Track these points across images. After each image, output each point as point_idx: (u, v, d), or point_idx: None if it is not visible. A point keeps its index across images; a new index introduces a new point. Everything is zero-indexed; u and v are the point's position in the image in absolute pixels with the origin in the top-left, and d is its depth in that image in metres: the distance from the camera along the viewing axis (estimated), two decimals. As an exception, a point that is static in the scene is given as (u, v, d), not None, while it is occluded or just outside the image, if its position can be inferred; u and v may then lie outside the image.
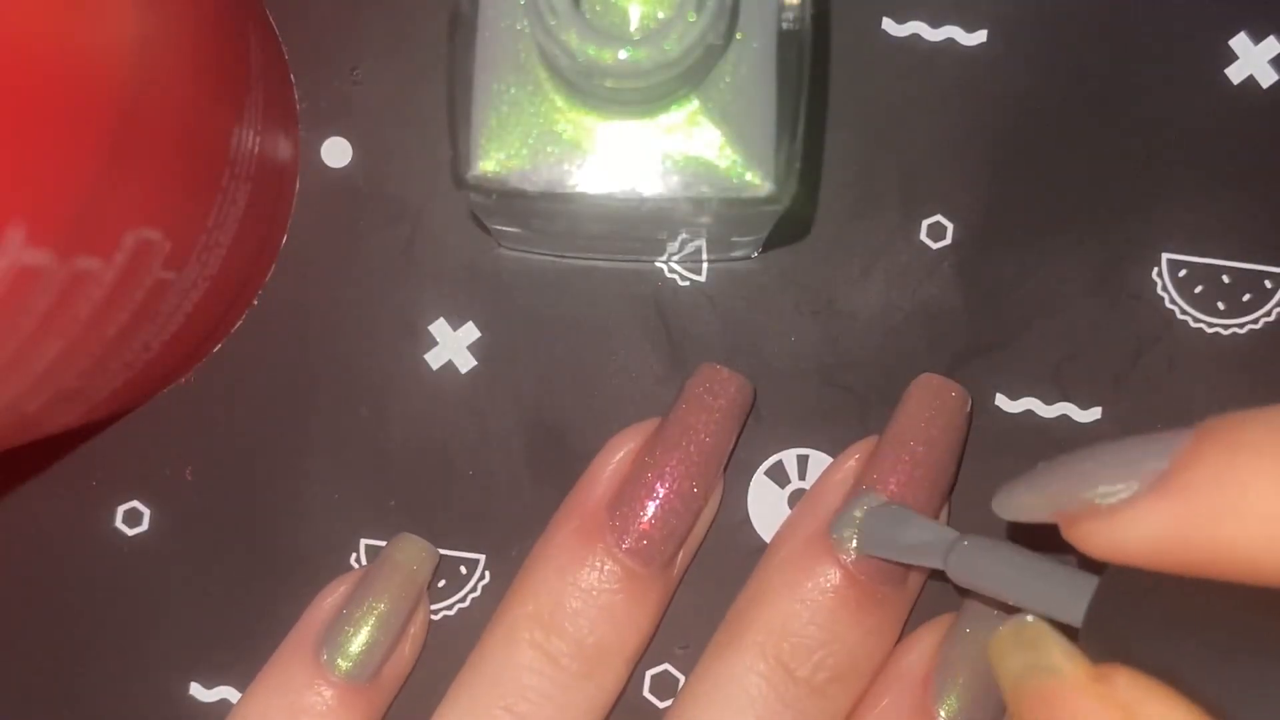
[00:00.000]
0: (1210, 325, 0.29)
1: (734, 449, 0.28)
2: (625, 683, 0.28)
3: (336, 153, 0.30)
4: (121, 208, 0.21)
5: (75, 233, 0.20)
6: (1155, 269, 0.29)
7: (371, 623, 0.27)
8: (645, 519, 0.27)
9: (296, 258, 0.30)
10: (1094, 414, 0.29)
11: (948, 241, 0.29)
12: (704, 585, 0.29)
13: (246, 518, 0.29)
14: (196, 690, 0.29)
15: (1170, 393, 0.29)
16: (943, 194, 0.29)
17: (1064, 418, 0.29)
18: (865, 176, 0.29)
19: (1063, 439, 0.29)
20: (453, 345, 0.30)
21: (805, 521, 0.27)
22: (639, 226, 0.26)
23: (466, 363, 0.30)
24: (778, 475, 0.29)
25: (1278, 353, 0.29)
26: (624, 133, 0.23)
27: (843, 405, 0.29)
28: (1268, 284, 0.29)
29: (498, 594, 0.28)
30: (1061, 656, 0.19)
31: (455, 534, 0.29)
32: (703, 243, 0.28)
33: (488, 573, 0.29)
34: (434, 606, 0.29)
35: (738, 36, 0.22)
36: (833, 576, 0.26)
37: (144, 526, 0.30)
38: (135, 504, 0.30)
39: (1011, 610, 0.22)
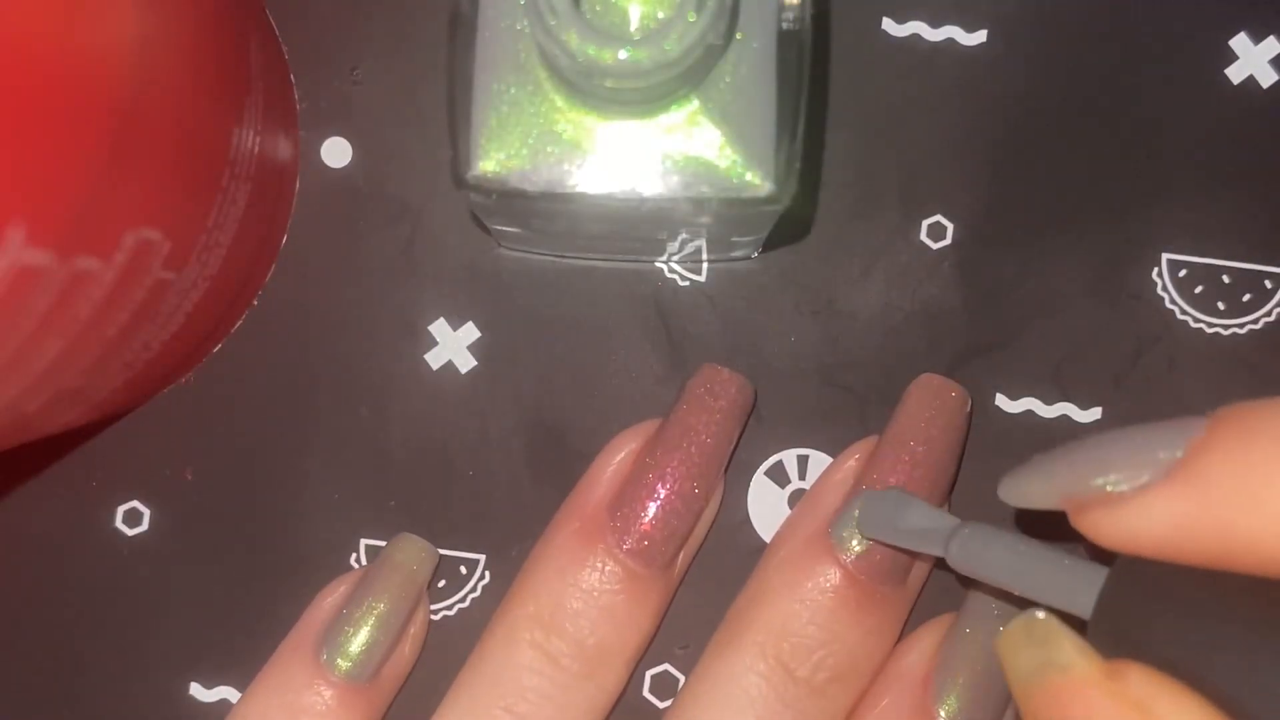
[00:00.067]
0: (1210, 325, 0.29)
1: (735, 449, 0.28)
2: (626, 683, 0.28)
3: (336, 153, 0.30)
4: (121, 208, 0.21)
5: (75, 233, 0.20)
6: (1155, 269, 0.29)
7: (371, 623, 0.27)
8: (646, 520, 0.27)
9: (296, 258, 0.30)
10: (1094, 414, 0.29)
11: (948, 241, 0.29)
12: (704, 585, 0.29)
13: (246, 518, 0.29)
14: (196, 690, 0.29)
15: (1170, 393, 0.29)
16: (943, 194, 0.29)
17: (1064, 418, 0.29)
18: (865, 176, 0.29)
19: (1062, 439, 0.29)
20: (453, 345, 0.30)
21: (805, 521, 0.27)
22: (639, 226, 0.26)
23: (466, 363, 0.30)
24: (778, 475, 0.29)
25: (1278, 353, 0.29)
26: (624, 133, 0.23)
27: (843, 405, 0.29)
28: (1268, 284, 0.29)
29: (498, 594, 0.28)
30: (1073, 653, 0.19)
31: (455, 534, 0.29)
32: (703, 243, 0.28)
33: (488, 573, 0.29)
34: (434, 606, 0.29)
35: (738, 36, 0.22)
36: (833, 576, 0.26)
37: (144, 526, 0.30)
38: (135, 504, 0.30)
39: (1014, 601, 0.22)
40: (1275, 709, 0.17)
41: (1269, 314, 0.29)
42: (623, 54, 0.20)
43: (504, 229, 0.27)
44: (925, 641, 0.27)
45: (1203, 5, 0.29)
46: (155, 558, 0.29)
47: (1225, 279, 0.29)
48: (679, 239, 0.27)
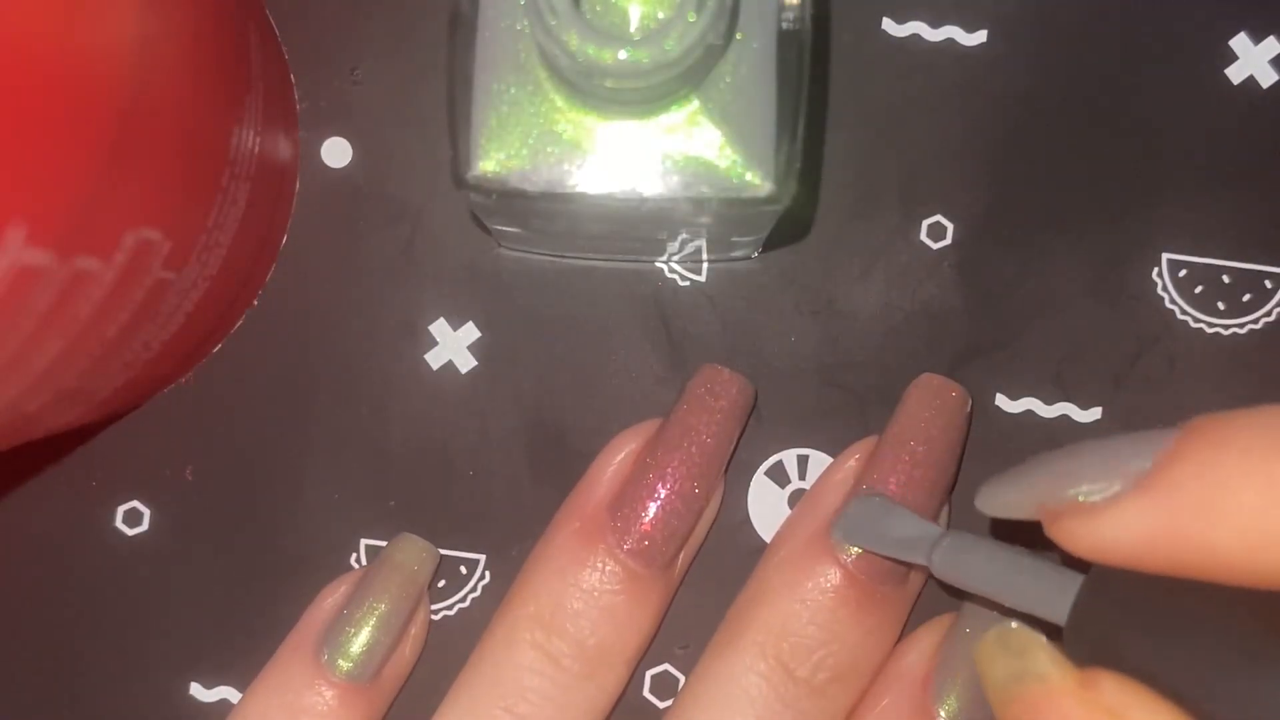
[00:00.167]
0: (1210, 325, 0.29)
1: (735, 449, 0.28)
2: (626, 683, 0.28)
3: (336, 153, 0.30)
4: (121, 208, 0.21)
5: (75, 233, 0.20)
6: (1155, 269, 0.29)
7: (372, 623, 0.27)
8: (646, 520, 0.27)
9: (296, 258, 0.30)
10: (1094, 414, 0.29)
11: (948, 241, 0.29)
12: (704, 585, 0.29)
13: (246, 518, 0.29)
14: (196, 690, 0.29)
15: (1170, 393, 0.29)
16: (943, 194, 0.29)
17: (1064, 418, 0.29)
18: (865, 176, 0.29)
19: (1063, 439, 0.29)
20: (453, 345, 0.30)
21: (805, 521, 0.27)
22: (639, 226, 0.26)
23: (466, 363, 0.30)
24: (778, 475, 0.29)
25: (1278, 353, 0.29)
26: (624, 133, 0.23)
27: (843, 405, 0.29)
28: (1268, 284, 0.29)
29: (498, 594, 0.28)
30: (1048, 663, 0.19)
31: (455, 534, 0.29)
32: (703, 243, 0.28)
33: (488, 573, 0.29)
34: (434, 606, 0.29)
35: (738, 36, 0.22)
36: (833, 576, 0.26)
37: (144, 526, 0.29)
38: (135, 504, 0.30)
39: (1001, 608, 0.22)
40: (1244, 715, 0.17)
41: (1269, 314, 0.29)
42: (623, 54, 0.20)
43: (504, 229, 0.27)
44: (925, 641, 0.27)
45: (1203, 5, 0.29)
46: (155, 558, 0.29)
47: (1225, 279, 0.29)
48: (679, 239, 0.27)
